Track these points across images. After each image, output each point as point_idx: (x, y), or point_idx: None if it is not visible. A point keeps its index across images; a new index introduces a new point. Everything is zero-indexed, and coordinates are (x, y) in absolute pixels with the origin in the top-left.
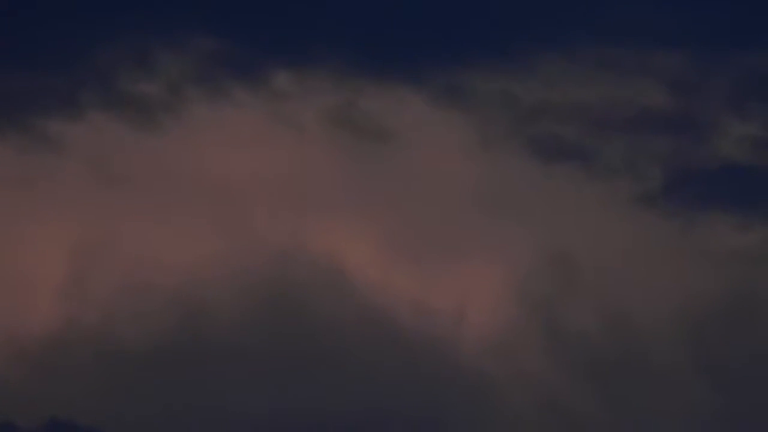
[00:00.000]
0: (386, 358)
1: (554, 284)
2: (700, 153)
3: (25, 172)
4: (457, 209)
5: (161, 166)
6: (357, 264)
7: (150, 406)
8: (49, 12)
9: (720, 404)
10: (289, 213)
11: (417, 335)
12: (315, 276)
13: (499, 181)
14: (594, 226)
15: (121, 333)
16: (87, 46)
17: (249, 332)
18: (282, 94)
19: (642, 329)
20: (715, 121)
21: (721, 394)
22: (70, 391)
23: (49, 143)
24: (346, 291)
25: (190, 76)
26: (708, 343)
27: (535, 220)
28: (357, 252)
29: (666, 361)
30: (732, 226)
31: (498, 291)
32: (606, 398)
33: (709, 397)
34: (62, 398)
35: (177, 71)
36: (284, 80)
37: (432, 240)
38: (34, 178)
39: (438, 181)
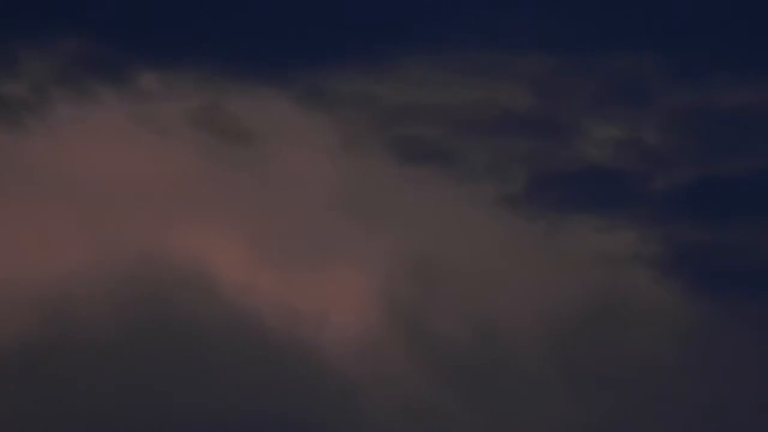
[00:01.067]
0: (251, 360)
1: (417, 288)
2: (564, 155)
3: None
4: (320, 212)
5: (25, 166)
6: (222, 266)
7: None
8: None
9: (584, 409)
10: (153, 215)
11: (282, 338)
12: (180, 278)
13: (362, 183)
14: (457, 228)
15: None
16: None
17: (112, 335)
18: (147, 95)
19: (506, 333)
20: (578, 124)
21: (586, 399)
22: None
23: None
24: (210, 293)
25: (54, 77)
26: (572, 347)
27: (399, 223)
28: (222, 254)
29: (530, 365)
30: (596, 228)
31: (362, 294)
32: (470, 403)
33: (573, 403)
34: None
35: (41, 71)
36: (149, 81)
37: (296, 242)
38: None
39: (301, 183)
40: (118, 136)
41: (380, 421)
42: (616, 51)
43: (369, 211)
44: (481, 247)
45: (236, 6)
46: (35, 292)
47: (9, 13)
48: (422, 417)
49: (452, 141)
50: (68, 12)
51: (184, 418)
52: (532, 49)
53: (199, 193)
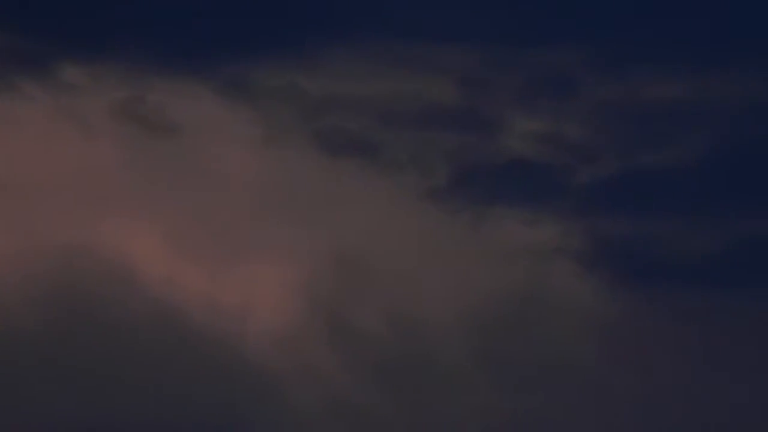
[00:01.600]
0: (174, 353)
1: (340, 282)
2: (488, 148)
3: None
4: (243, 205)
5: None
6: (145, 260)
7: None
8: None
9: (505, 403)
10: (77, 208)
11: (205, 331)
12: (102, 271)
13: (285, 176)
14: (381, 222)
15: None
16: None
17: (32, 328)
18: (71, 88)
19: (428, 327)
20: (502, 117)
21: (508, 392)
22: None
23: None
24: (133, 286)
25: None
26: (495, 340)
27: (322, 216)
28: (145, 248)
29: (452, 358)
30: (520, 221)
31: (284, 288)
32: (393, 398)
33: (495, 396)
34: None
35: None
36: (73, 74)
37: (219, 236)
38: None
39: (225, 176)
40: (42, 129)
41: (302, 414)
42: (540, 45)
43: (292, 204)
44: (404, 240)
45: None
46: None
47: None
48: (344, 411)
49: (376, 134)
50: None
51: (105, 410)
52: (457, 42)
53: (123, 186)
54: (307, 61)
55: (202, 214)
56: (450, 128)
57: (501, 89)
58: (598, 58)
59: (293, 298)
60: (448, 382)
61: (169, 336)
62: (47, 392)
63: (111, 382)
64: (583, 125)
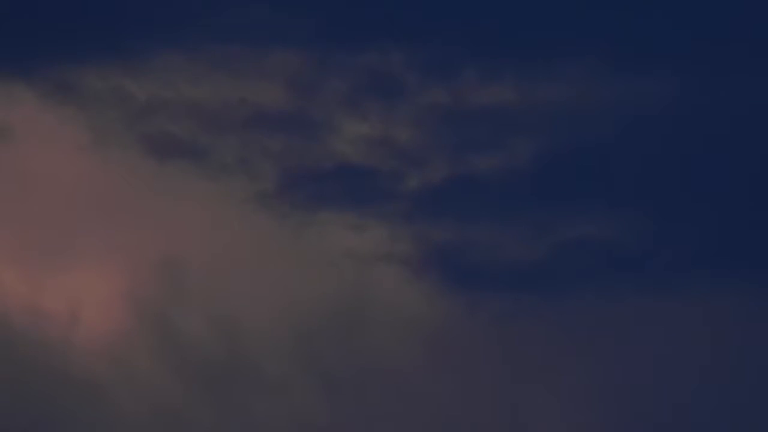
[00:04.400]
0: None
1: (165, 286)
2: (316, 152)
3: None
4: (68, 209)
5: None
6: None
7: None
8: None
9: (329, 408)
10: None
11: (28, 338)
12: None
13: (112, 180)
14: (207, 226)
15: None
16: None
17: None
18: None
19: (253, 332)
20: (330, 121)
21: (331, 398)
22: None
23: None
24: None
25: None
26: (320, 346)
27: (148, 220)
28: None
29: (276, 364)
30: (348, 226)
31: (110, 293)
32: (215, 403)
33: (319, 401)
34: None
35: None
36: None
37: (43, 240)
38: None
39: (50, 180)
40: None
41: (127, 420)
42: (368, 48)
43: (118, 208)
44: (231, 245)
45: None
46: None
47: None
48: (169, 417)
49: (203, 137)
50: None
51: None
52: (284, 45)
53: None
54: (133, 64)
55: (27, 218)
56: (278, 132)
57: (328, 92)
58: (425, 62)
59: (118, 304)
60: (273, 387)
61: None
62: None
63: None
64: (411, 129)
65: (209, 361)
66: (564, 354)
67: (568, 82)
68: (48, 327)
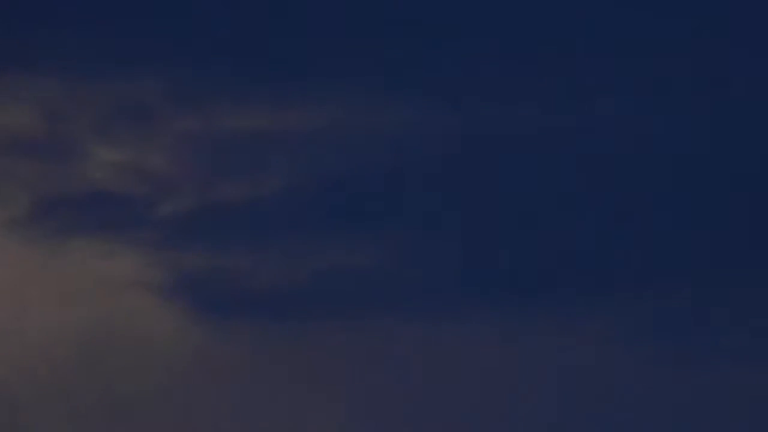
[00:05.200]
0: None
1: None
2: (68, 179)
3: None
4: None
5: None
6: None
7: None
8: None
9: None
10: None
11: None
12: None
13: None
14: None
15: None
16: None
17: None
18: None
19: (2, 363)
20: (83, 147)
21: (82, 427)
22: None
23: None
24: None
25: None
26: (71, 375)
27: None
28: None
29: (25, 395)
30: (99, 253)
31: None
32: None
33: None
34: None
35: None
36: None
37: None
38: None
39: None
40: None
41: None
42: (121, 75)
43: None
44: None
45: None
46: None
47: None
48: None
49: None
50: None
51: None
52: (36, 71)
53: None
54: None
55: None
56: (31, 158)
57: (81, 118)
58: (176, 89)
59: None
60: (24, 416)
61: None
62: None
63: None
64: (164, 156)
65: None
66: (313, 379)
67: (321, 109)
68: None
